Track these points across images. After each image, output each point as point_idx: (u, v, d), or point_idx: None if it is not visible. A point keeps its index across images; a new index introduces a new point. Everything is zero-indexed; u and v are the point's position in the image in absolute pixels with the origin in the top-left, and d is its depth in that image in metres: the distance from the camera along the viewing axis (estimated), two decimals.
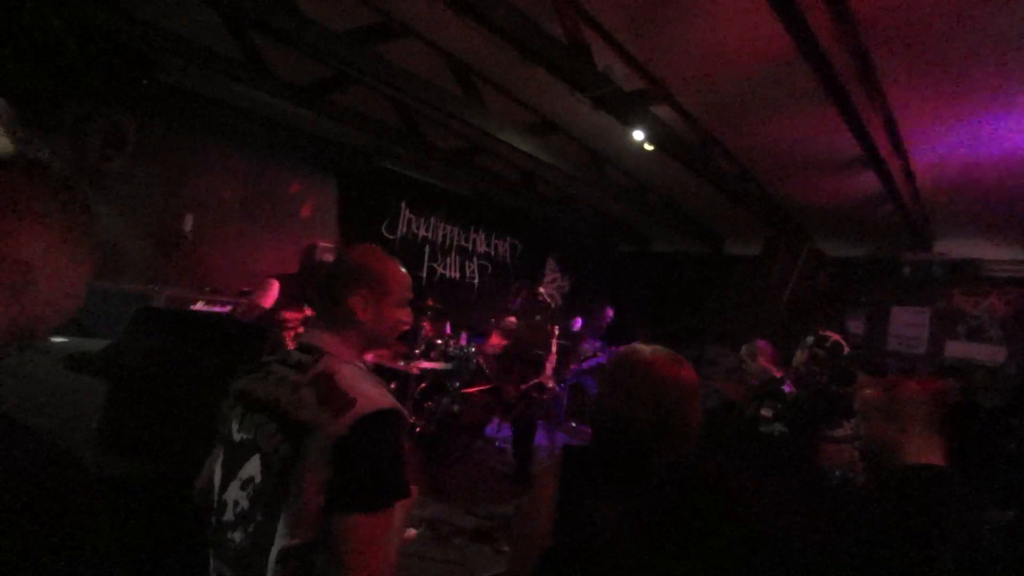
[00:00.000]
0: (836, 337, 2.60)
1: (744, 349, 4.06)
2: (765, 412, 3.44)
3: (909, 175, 3.81)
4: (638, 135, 3.49)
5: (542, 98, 3.77)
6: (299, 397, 0.98)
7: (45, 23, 3.48)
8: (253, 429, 1.02)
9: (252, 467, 1.01)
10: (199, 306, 4.25)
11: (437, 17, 2.86)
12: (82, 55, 3.96)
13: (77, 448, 1.71)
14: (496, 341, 3.60)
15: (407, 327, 1.18)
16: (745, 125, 3.68)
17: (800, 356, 2.61)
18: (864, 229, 5.07)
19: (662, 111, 3.55)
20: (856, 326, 5.39)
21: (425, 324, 5.34)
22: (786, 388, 3.66)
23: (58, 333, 3.38)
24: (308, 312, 3.14)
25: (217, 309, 4.25)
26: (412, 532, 1.23)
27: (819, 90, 2.80)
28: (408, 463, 0.98)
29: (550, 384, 3.51)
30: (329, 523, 0.89)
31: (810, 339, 2.60)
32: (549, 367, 3.50)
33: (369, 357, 4.67)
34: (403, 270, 1.16)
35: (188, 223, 5.04)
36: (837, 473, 1.91)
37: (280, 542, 0.93)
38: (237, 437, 1.05)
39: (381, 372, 4.63)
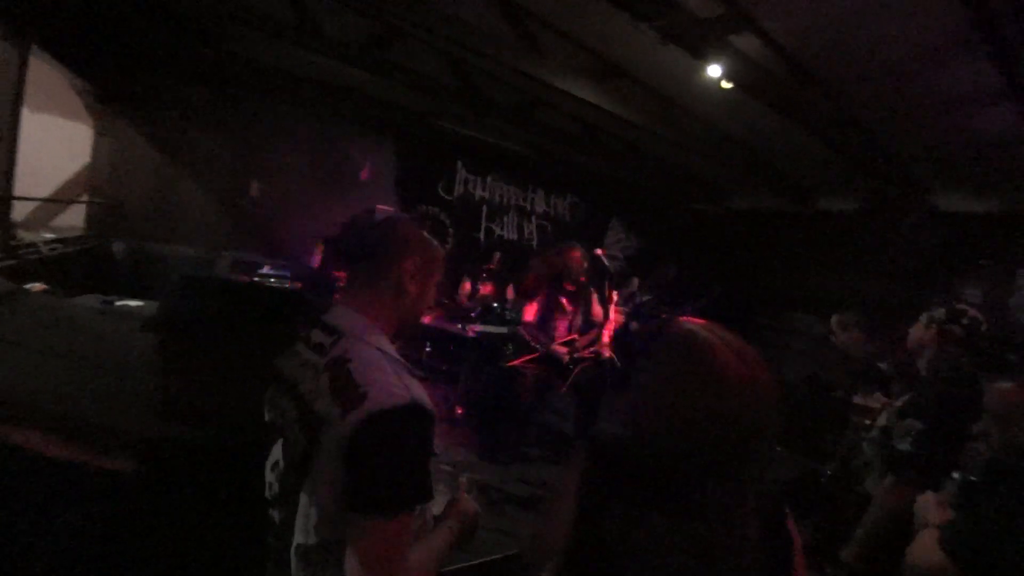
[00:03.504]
0: (973, 312, 2.03)
1: (835, 319, 3.58)
2: (869, 401, 2.99)
3: None
4: (714, 71, 3.05)
5: (604, 39, 3.38)
6: (318, 384, 0.91)
7: (116, 5, 3.55)
8: (278, 412, 1.00)
9: (277, 451, 0.99)
10: (265, 270, 4.37)
11: None
12: (149, 32, 4.06)
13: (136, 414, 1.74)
14: (530, 307, 3.39)
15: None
16: (847, 54, 3.09)
17: (924, 334, 2.04)
18: (991, 179, 4.24)
19: (744, 42, 3.06)
20: (974, 294, 4.60)
21: (484, 287, 5.25)
22: (882, 366, 3.19)
23: (134, 296, 3.58)
24: None
25: (282, 272, 4.37)
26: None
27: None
28: (427, 462, 0.90)
29: (607, 353, 3.27)
30: (346, 523, 0.84)
31: (940, 312, 2.03)
32: (607, 335, 3.26)
33: (427, 319, 4.69)
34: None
35: (254, 189, 5.20)
36: (955, 475, 1.56)
37: (297, 538, 0.89)
38: (267, 417, 1.04)
39: (438, 335, 4.63)
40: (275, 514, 0.98)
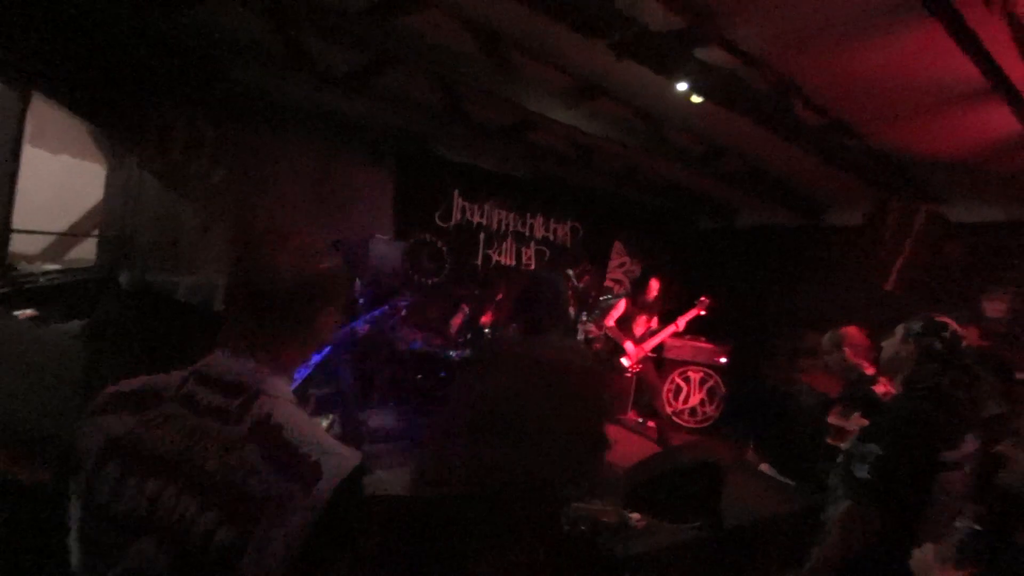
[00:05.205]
0: (954, 325, 1.81)
1: (826, 338, 3.34)
2: (846, 423, 2.75)
3: None
4: (682, 86, 2.99)
5: (576, 57, 3.38)
6: (240, 461, 0.78)
7: (119, 38, 3.81)
8: (144, 500, 0.78)
9: (141, 555, 0.77)
10: None
11: None
12: (152, 68, 4.32)
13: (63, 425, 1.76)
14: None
15: None
16: (826, 59, 2.98)
17: (901, 348, 1.81)
18: (1007, 185, 3.95)
19: (715, 54, 3.00)
20: (994, 308, 4.23)
21: (485, 316, 5.18)
22: (878, 389, 2.92)
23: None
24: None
25: None
26: None
27: None
28: None
29: None
30: None
31: (917, 326, 1.80)
32: None
33: (418, 344, 4.67)
34: None
35: (261, 218, 5.38)
36: (957, 525, 1.35)
37: None
38: (114, 508, 0.79)
39: (428, 360, 4.59)
40: None
